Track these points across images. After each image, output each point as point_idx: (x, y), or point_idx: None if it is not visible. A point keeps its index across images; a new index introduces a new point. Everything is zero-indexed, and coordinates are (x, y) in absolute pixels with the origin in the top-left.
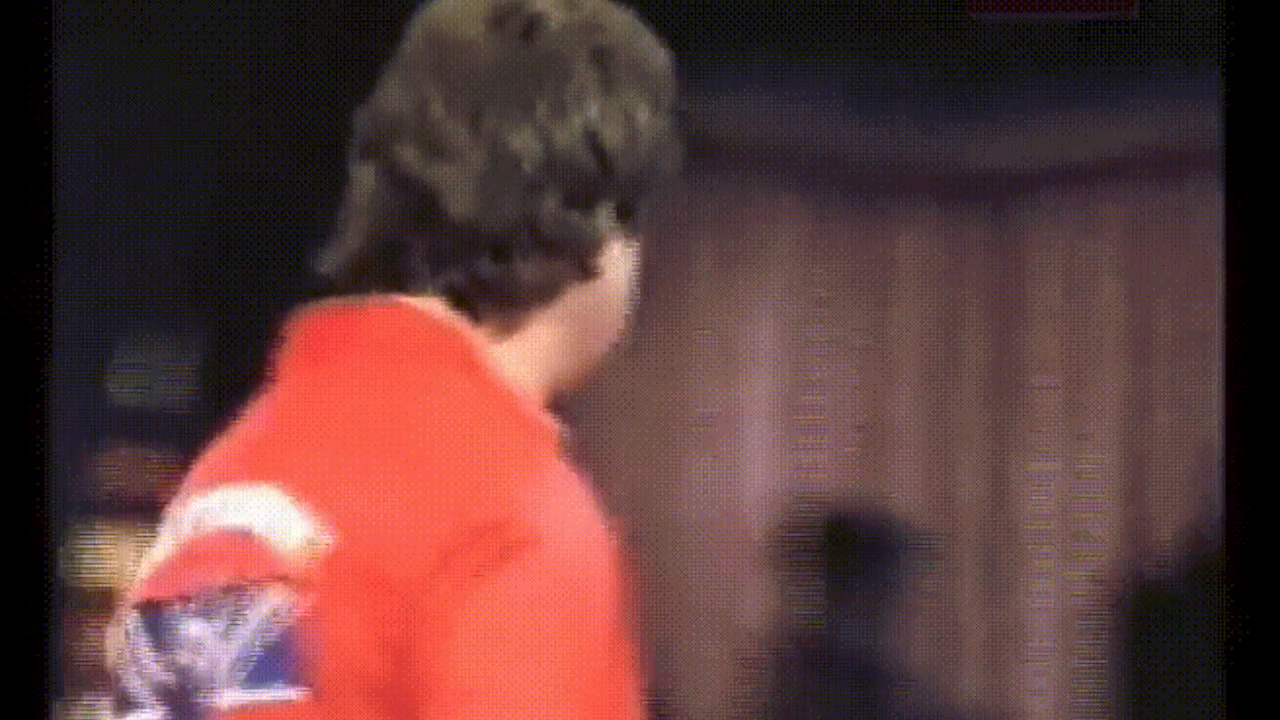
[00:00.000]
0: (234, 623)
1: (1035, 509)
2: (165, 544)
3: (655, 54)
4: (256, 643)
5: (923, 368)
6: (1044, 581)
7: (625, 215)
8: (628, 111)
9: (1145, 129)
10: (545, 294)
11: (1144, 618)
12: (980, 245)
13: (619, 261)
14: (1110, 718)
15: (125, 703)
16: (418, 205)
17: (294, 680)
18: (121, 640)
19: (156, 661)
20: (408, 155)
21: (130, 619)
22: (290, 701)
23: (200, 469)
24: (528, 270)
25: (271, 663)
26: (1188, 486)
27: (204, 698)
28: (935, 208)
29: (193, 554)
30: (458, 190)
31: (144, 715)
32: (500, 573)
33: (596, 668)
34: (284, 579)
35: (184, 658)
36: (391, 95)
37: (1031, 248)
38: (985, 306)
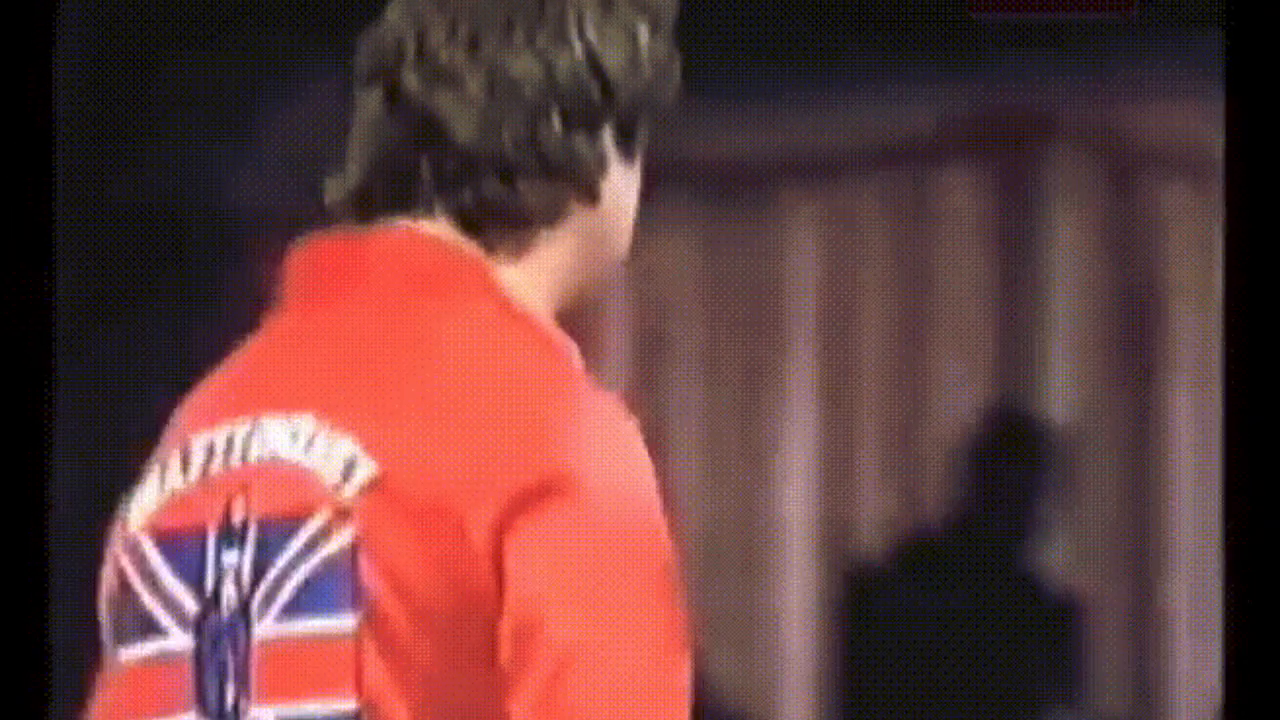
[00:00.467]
0: (276, 551)
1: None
2: (177, 474)
3: None
4: (302, 570)
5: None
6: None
7: (626, 138)
8: (629, 33)
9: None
10: (551, 216)
11: (849, 612)
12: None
13: (620, 186)
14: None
15: (145, 628)
16: (422, 130)
17: (344, 606)
18: (132, 567)
19: (183, 588)
20: (410, 83)
21: (145, 546)
22: (341, 627)
23: (206, 399)
24: (533, 192)
25: (320, 590)
26: (888, 482)
27: (242, 624)
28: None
29: (224, 482)
30: (460, 116)
31: (169, 640)
32: (559, 510)
33: (667, 591)
34: (330, 507)
35: (216, 585)
36: (392, 23)
37: (730, 241)
38: (698, 299)
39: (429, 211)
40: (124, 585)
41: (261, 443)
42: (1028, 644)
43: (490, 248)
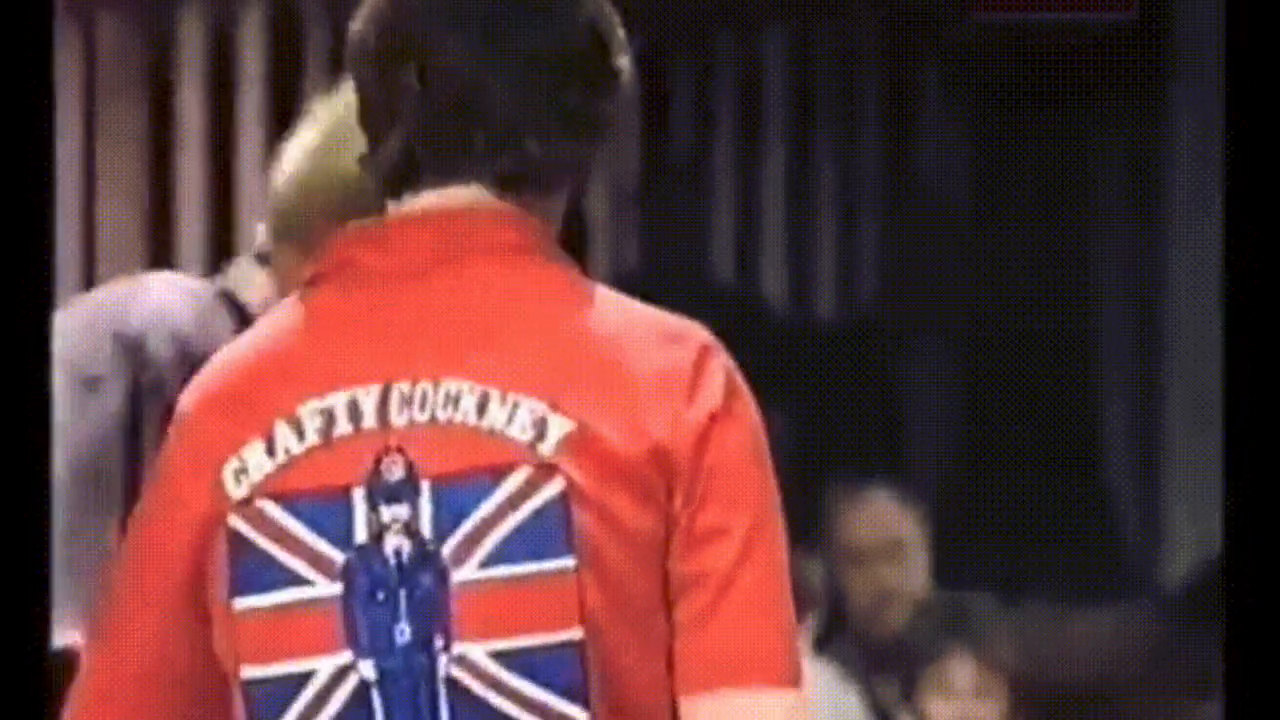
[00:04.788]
0: (466, 505)
1: None
2: (291, 441)
3: None
4: (509, 522)
5: None
6: None
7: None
8: (612, 16)
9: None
10: (578, 177)
11: None
12: None
13: None
14: None
15: (279, 580)
16: (467, 100)
17: (560, 551)
18: (251, 528)
19: (323, 542)
20: (451, 58)
21: (268, 508)
22: (560, 568)
23: (290, 372)
24: (570, 153)
25: (532, 538)
26: None
27: (426, 571)
28: None
29: (361, 445)
30: (504, 86)
31: (313, 589)
32: (738, 430)
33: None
34: (530, 464)
35: (374, 537)
36: (413, 7)
37: None
38: None
39: (466, 180)
40: (242, 545)
41: (407, 407)
42: None
43: (527, 209)
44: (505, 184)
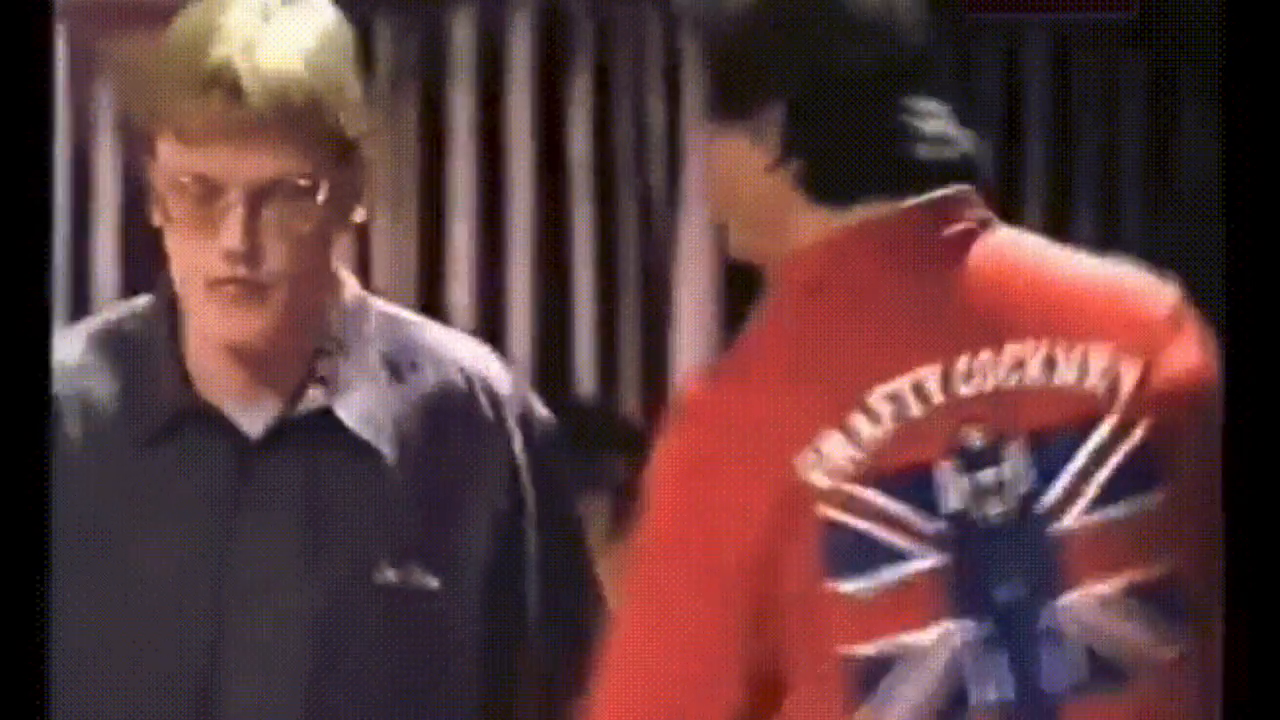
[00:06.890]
0: (1059, 460)
1: None
2: (868, 428)
3: None
4: (1106, 468)
5: None
6: None
7: None
8: None
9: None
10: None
11: None
12: None
13: None
14: None
15: (878, 559)
16: (916, 123)
17: (1154, 488)
18: (842, 513)
19: (917, 515)
20: (905, 86)
21: (860, 492)
22: (1157, 505)
23: (847, 364)
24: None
25: (1127, 479)
26: None
27: (1023, 528)
28: None
29: (935, 419)
30: (944, 102)
31: (913, 563)
32: (1213, 367)
33: None
34: (1116, 411)
35: (966, 503)
36: (868, 29)
37: None
38: None
39: (904, 194)
40: (836, 531)
41: (972, 379)
42: None
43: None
44: (957, 178)
